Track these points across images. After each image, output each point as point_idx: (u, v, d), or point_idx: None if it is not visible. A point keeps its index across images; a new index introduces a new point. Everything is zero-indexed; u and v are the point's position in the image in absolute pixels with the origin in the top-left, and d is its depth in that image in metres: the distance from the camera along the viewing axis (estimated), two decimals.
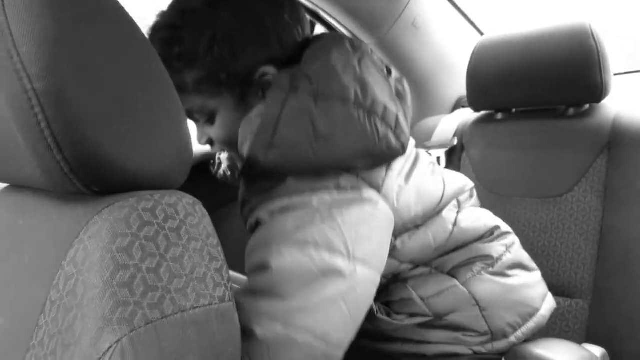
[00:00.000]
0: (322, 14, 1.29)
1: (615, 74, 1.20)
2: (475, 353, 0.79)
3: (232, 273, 0.90)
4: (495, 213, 1.23)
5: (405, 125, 0.69)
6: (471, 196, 0.91)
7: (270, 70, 0.71)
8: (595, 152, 1.12)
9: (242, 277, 1.01)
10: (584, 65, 1.10)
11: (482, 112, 1.34)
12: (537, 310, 0.84)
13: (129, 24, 0.46)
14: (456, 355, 0.79)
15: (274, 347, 0.54)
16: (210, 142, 0.78)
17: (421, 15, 1.38)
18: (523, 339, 0.82)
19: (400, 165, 0.73)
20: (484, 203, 1.25)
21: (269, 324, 0.55)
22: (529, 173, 1.21)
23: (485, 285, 0.80)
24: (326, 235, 0.61)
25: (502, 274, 0.82)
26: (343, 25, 1.34)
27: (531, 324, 0.82)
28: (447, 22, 1.47)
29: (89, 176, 0.40)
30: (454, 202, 0.84)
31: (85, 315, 0.36)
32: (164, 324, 0.37)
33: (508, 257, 0.84)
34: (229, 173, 1.11)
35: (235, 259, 0.71)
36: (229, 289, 0.44)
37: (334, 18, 1.31)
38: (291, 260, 0.59)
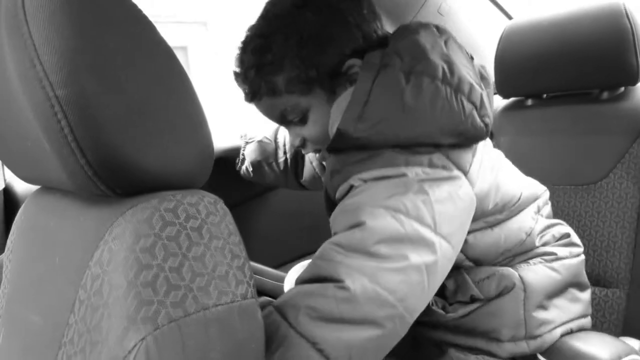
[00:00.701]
0: None
1: None
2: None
3: (255, 265, 0.91)
4: None
5: (489, 108, 0.71)
6: (546, 203, 0.92)
7: (356, 62, 0.73)
8: (631, 137, 1.08)
9: (266, 269, 1.02)
10: (618, 46, 1.06)
11: (512, 99, 1.30)
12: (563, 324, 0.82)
13: (148, 28, 0.47)
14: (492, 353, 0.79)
15: (361, 298, 0.56)
16: (303, 143, 0.81)
17: (446, 1, 1.35)
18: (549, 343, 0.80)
19: (482, 154, 0.74)
20: None
21: (359, 277, 0.57)
22: (561, 160, 1.17)
23: (538, 274, 0.79)
24: (417, 206, 0.63)
25: (556, 271, 0.81)
26: None
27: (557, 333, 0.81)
28: (473, 7, 1.44)
29: (112, 179, 0.41)
30: (534, 207, 0.85)
31: (111, 315, 0.38)
32: (186, 322, 0.38)
33: (569, 263, 0.84)
34: (251, 169, 1.12)
35: (258, 254, 0.72)
36: (252, 286, 0.45)
37: None
38: (384, 223, 0.61)
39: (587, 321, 0.86)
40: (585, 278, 0.88)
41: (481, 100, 0.69)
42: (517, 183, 0.83)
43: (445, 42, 0.72)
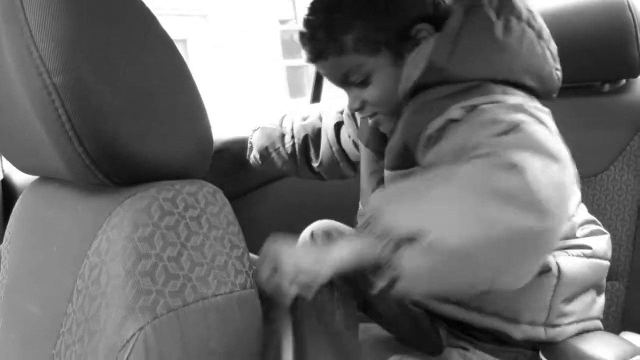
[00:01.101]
0: None
1: None
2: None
3: (254, 257, 0.91)
4: None
5: (559, 67, 0.75)
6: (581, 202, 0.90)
7: (426, 27, 0.73)
8: (633, 130, 1.08)
9: None
10: (620, 38, 1.05)
11: None
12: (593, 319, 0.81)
13: (149, 18, 0.46)
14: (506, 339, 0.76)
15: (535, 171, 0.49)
16: (362, 106, 0.79)
17: None
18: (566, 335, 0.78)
19: None
20: None
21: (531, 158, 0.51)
22: None
23: (577, 264, 0.77)
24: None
25: (593, 269, 0.79)
26: None
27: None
28: None
29: (110, 168, 0.41)
30: (576, 197, 0.84)
31: (109, 304, 0.38)
32: (185, 312, 0.38)
33: (602, 264, 0.81)
34: (258, 156, 1.12)
35: (258, 245, 0.71)
36: (251, 276, 0.45)
37: None
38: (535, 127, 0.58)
39: (599, 324, 0.84)
40: (604, 283, 0.85)
41: (556, 53, 0.73)
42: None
43: None
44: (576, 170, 1.10)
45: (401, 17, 0.73)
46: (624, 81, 1.13)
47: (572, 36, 1.11)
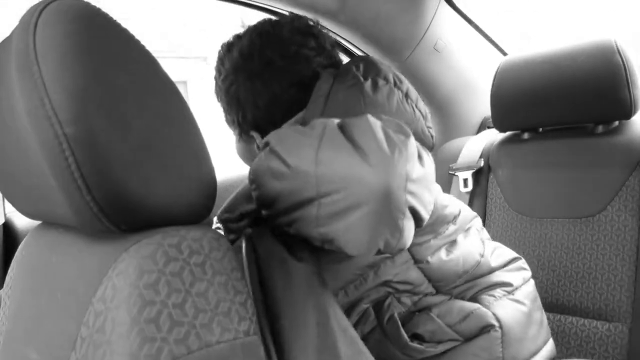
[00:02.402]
0: (342, 42, 1.31)
1: None
2: None
3: None
4: (526, 235, 1.22)
5: (432, 126, 0.78)
6: (482, 228, 0.93)
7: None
8: (628, 170, 1.09)
9: None
10: (611, 82, 1.08)
11: (508, 132, 1.32)
12: (536, 353, 0.83)
13: (154, 66, 0.48)
14: None
15: None
16: None
17: (442, 38, 1.39)
18: None
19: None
20: (513, 225, 1.24)
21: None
22: (559, 193, 1.18)
23: (508, 309, 0.80)
24: None
25: (521, 302, 0.83)
26: (363, 52, 1.35)
27: None
28: (469, 43, 1.47)
29: (117, 216, 0.42)
30: (475, 230, 0.86)
31: (113, 352, 0.37)
32: None
33: (526, 290, 0.86)
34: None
35: None
36: (254, 322, 0.45)
37: (354, 45, 1.32)
38: None
39: (552, 347, 0.88)
40: (539, 300, 0.90)
41: (426, 113, 0.77)
42: (453, 202, 0.84)
43: (392, 66, 0.80)
44: (574, 210, 1.12)
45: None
46: (616, 123, 1.15)
47: (565, 80, 1.15)
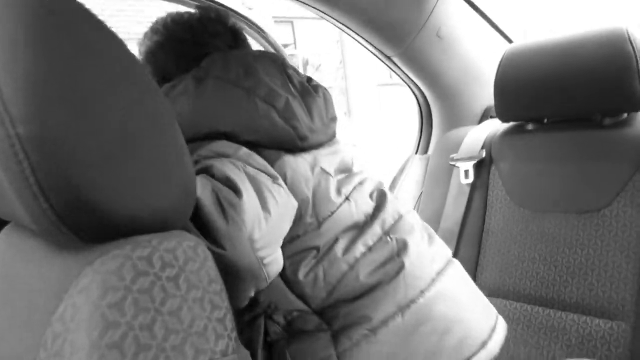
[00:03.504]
0: (343, 27, 1.26)
1: None
2: None
3: None
4: (527, 229, 1.18)
5: (301, 115, 0.77)
6: (396, 218, 0.83)
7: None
8: (635, 164, 1.05)
9: None
10: (621, 72, 1.03)
11: (512, 123, 1.28)
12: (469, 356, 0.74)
13: (125, 53, 0.44)
14: None
15: None
16: None
17: (445, 24, 1.33)
18: None
19: (310, 166, 0.78)
20: (515, 219, 1.20)
21: None
22: (563, 187, 1.14)
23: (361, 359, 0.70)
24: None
25: (387, 342, 0.71)
26: (364, 38, 1.30)
27: None
28: (473, 30, 1.42)
29: (80, 225, 0.38)
30: (376, 226, 0.79)
31: None
32: None
33: (397, 324, 0.72)
34: None
35: None
36: (233, 339, 0.41)
37: (355, 32, 1.27)
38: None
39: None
40: (433, 323, 0.74)
41: (286, 104, 0.76)
42: (356, 202, 0.80)
43: (255, 58, 0.81)
44: (578, 204, 1.08)
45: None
46: (625, 115, 1.11)
47: (572, 69, 1.10)
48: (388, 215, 0.82)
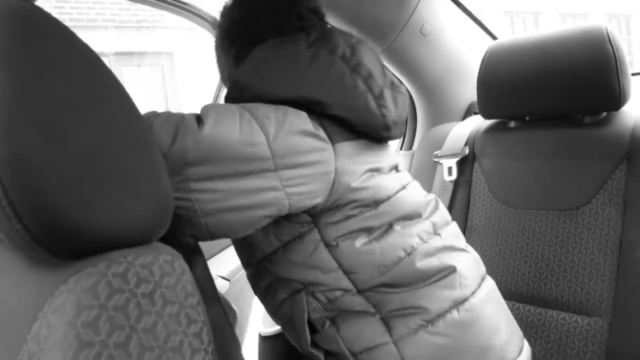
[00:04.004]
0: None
1: (634, 74, 1.15)
2: None
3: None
4: (509, 226, 1.20)
5: (391, 105, 0.78)
6: (447, 224, 0.87)
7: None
8: (614, 163, 1.07)
9: None
10: (601, 71, 1.04)
11: (494, 120, 1.29)
12: None
13: (99, 68, 0.43)
14: None
15: None
16: None
17: (429, 21, 1.33)
18: None
19: (373, 163, 0.79)
20: (496, 216, 1.22)
21: None
22: (543, 184, 1.16)
23: (422, 348, 0.73)
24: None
25: (444, 335, 0.74)
26: None
27: None
28: (456, 27, 1.42)
29: (55, 244, 0.38)
30: (426, 225, 0.80)
31: None
32: None
33: (454, 317, 0.75)
34: None
35: None
36: (210, 352, 0.42)
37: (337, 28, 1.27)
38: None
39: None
40: (484, 321, 0.77)
41: (381, 92, 0.77)
42: (393, 183, 0.81)
43: (357, 42, 0.82)
44: (558, 202, 1.09)
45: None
46: (604, 114, 1.12)
47: (553, 67, 1.11)
48: (438, 217, 0.84)
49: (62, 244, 0.38)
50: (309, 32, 0.79)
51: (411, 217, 0.79)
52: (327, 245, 0.74)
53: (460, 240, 0.86)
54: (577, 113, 1.14)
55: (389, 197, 0.78)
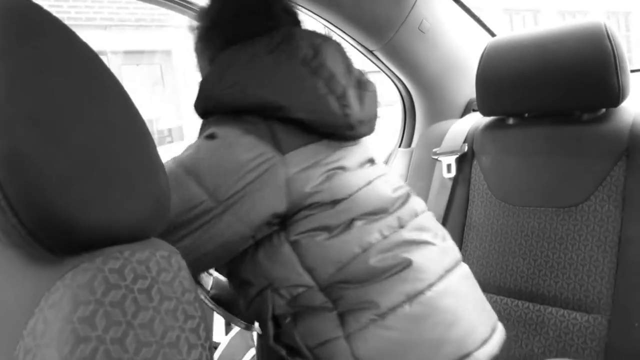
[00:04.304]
0: (324, 22, 1.26)
1: (633, 70, 1.14)
2: None
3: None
4: (508, 223, 1.20)
5: (354, 104, 0.80)
6: (416, 215, 0.86)
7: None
8: (613, 160, 1.07)
9: None
10: (599, 67, 1.04)
11: (493, 117, 1.28)
12: (466, 355, 0.75)
13: (97, 65, 0.43)
14: None
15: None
16: None
17: (427, 18, 1.33)
18: None
19: (337, 161, 0.80)
20: (495, 213, 1.22)
21: None
22: (542, 181, 1.16)
23: (371, 342, 0.73)
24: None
25: (394, 329, 0.73)
26: (346, 32, 1.30)
27: None
28: (455, 24, 1.42)
29: (51, 240, 0.38)
30: (392, 220, 0.81)
31: None
32: None
33: (405, 311, 0.74)
34: None
35: None
36: (207, 348, 0.41)
37: (336, 26, 1.27)
38: None
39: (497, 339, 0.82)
40: (437, 315, 0.76)
41: (344, 92, 0.79)
42: (375, 189, 0.82)
43: (322, 42, 0.83)
44: (557, 199, 1.09)
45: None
46: (603, 110, 1.12)
47: (552, 64, 1.10)
48: (405, 212, 0.84)
49: (58, 239, 0.38)
50: (272, 35, 0.81)
51: (375, 212, 0.80)
52: (290, 242, 0.76)
53: (426, 233, 0.84)
54: (576, 110, 1.14)
55: (350, 195, 0.78)
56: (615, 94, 1.04)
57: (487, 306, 0.89)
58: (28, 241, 0.37)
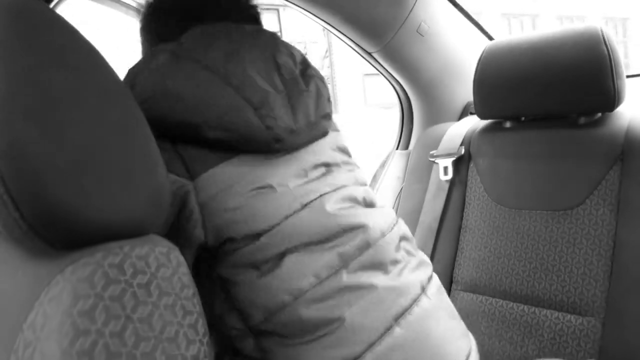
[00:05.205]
0: (323, 24, 1.26)
1: (629, 76, 1.15)
2: None
3: None
4: (503, 226, 1.20)
5: (279, 110, 0.67)
6: (367, 248, 0.70)
7: None
8: (608, 163, 1.07)
9: None
10: (595, 72, 1.05)
11: (490, 120, 1.29)
12: None
13: (97, 61, 0.44)
14: None
15: None
16: None
17: (426, 21, 1.34)
18: None
19: (258, 176, 0.67)
20: (491, 215, 1.22)
21: None
22: (538, 185, 1.16)
23: None
24: None
25: None
26: (345, 34, 1.30)
27: None
28: (453, 27, 1.43)
29: (51, 234, 0.38)
30: (333, 256, 0.67)
31: None
32: None
33: None
34: None
35: None
36: (205, 343, 0.42)
37: (334, 27, 1.27)
38: None
39: None
40: None
41: (263, 100, 0.66)
42: (313, 215, 0.68)
43: (241, 44, 0.71)
44: (553, 202, 1.10)
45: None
46: (599, 114, 1.13)
47: (549, 68, 1.11)
48: (354, 243, 0.69)
49: (59, 233, 0.38)
50: (181, 39, 0.71)
51: (312, 243, 0.67)
52: (221, 279, 0.66)
53: (376, 271, 0.70)
54: (572, 114, 1.15)
55: (275, 226, 0.65)
56: (611, 99, 1.05)
57: (462, 331, 0.78)
58: (29, 235, 0.37)
